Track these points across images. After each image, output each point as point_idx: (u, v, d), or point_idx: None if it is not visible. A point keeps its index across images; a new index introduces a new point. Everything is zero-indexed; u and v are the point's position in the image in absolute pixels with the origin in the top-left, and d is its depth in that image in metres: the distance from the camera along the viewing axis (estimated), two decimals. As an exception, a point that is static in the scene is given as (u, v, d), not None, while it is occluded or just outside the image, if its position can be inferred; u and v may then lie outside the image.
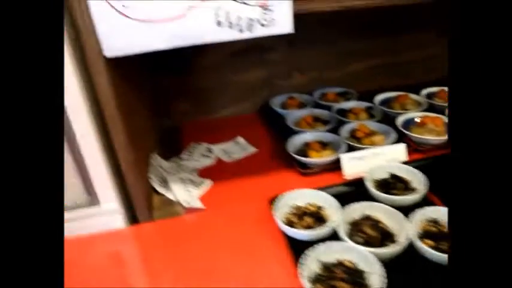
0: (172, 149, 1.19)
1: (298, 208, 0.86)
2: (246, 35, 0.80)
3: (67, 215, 0.92)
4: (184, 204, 0.96)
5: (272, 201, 0.88)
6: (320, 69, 1.41)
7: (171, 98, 1.31)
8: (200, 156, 1.15)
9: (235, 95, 1.35)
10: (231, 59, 1.29)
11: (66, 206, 0.92)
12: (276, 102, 1.34)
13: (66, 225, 0.92)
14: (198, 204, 0.96)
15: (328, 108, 1.28)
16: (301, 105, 1.33)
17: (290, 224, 0.81)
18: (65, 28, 0.76)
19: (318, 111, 1.25)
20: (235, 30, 0.79)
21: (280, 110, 1.29)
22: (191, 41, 0.79)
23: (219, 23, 0.78)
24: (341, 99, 1.35)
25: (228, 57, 1.29)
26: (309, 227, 0.80)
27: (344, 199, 0.85)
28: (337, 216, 0.80)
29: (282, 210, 0.86)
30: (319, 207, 0.86)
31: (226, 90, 1.34)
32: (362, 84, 1.42)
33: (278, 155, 1.12)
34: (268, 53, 1.32)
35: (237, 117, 1.37)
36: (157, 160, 1.09)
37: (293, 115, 1.23)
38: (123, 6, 0.75)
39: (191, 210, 0.96)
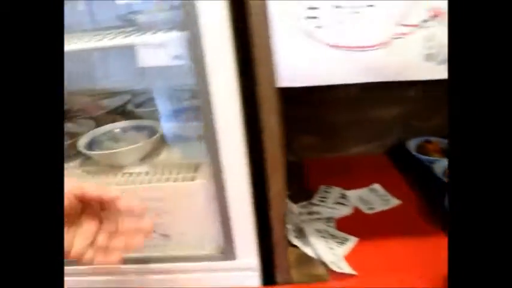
0: (297, 189, 1.04)
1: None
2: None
3: (199, 265, 0.78)
4: (333, 267, 0.79)
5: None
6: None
7: (296, 130, 1.16)
8: (335, 203, 0.98)
9: (366, 132, 1.19)
10: (366, 92, 1.12)
11: (200, 256, 0.78)
12: (412, 146, 1.16)
13: (196, 275, 0.79)
14: (348, 268, 0.79)
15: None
16: (443, 152, 1.14)
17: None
18: (234, 55, 0.63)
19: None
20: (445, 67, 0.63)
21: (422, 157, 1.11)
22: (391, 76, 0.63)
23: (428, 57, 0.62)
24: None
25: (363, 91, 1.12)
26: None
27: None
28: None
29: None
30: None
31: (357, 126, 1.17)
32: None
33: (430, 213, 0.94)
34: (408, 89, 1.14)
35: (365, 158, 1.20)
36: (288, 204, 0.94)
37: (441, 164, 1.04)
38: (317, 27, 0.60)
39: (336, 273, 0.79)
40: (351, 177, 1.08)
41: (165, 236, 0.79)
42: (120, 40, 0.70)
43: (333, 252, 0.84)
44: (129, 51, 0.95)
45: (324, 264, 0.81)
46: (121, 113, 1.00)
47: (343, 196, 1.01)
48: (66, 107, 1.02)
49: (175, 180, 0.76)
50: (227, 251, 0.76)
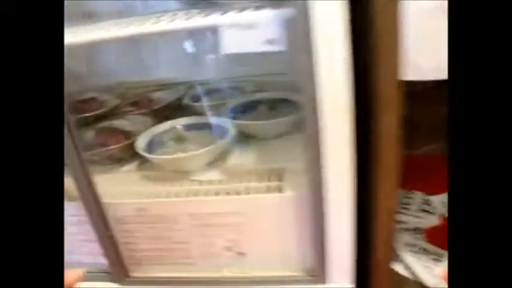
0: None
1: None
2: None
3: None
4: (440, 292, 0.67)
5: None
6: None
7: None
8: (419, 210, 0.86)
9: (440, 130, 1.06)
10: (445, 86, 0.99)
11: (284, 278, 0.66)
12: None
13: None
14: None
15: None
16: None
17: None
18: (350, 38, 0.50)
19: None
20: None
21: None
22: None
23: None
24: None
25: (436, 85, 0.99)
26: None
27: None
28: None
29: None
30: None
31: (430, 122, 1.04)
32: None
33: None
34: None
35: (440, 157, 1.07)
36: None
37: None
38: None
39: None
40: (430, 179, 0.96)
41: (241, 254, 0.67)
42: (198, 21, 0.57)
43: (430, 272, 0.72)
44: (186, 36, 0.82)
45: (421, 285, 0.70)
46: (177, 107, 0.87)
47: (427, 202, 0.88)
48: (116, 101, 0.90)
49: (257, 191, 0.64)
50: (318, 273, 0.64)
